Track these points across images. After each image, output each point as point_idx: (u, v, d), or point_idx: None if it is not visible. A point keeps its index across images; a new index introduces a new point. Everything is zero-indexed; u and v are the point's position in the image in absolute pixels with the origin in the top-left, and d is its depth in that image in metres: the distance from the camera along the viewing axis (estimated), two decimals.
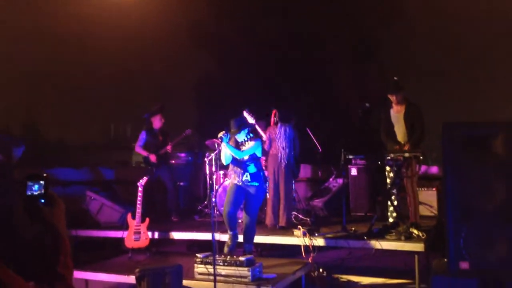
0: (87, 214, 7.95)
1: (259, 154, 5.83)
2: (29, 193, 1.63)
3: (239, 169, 5.79)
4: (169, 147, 8.01)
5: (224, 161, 5.87)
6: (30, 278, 1.43)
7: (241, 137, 5.76)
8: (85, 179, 10.70)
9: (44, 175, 1.68)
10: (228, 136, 5.65)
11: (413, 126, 6.46)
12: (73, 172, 10.95)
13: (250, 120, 6.55)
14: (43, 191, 1.64)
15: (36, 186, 1.64)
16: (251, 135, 5.84)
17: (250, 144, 5.72)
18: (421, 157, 6.26)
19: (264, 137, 7.12)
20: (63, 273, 1.51)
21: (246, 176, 5.72)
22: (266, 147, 7.03)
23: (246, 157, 5.75)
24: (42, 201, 1.64)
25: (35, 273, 1.48)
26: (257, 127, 6.75)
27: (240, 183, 5.77)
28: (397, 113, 6.60)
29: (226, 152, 5.75)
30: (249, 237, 5.92)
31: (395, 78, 6.63)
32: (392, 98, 6.59)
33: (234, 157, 5.80)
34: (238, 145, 5.81)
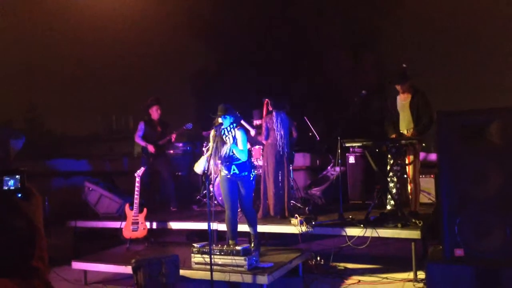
0: (86, 205, 7.99)
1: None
2: (6, 188, 1.65)
3: (226, 162, 5.70)
4: (174, 135, 8.05)
5: (198, 169, 5.75)
6: (5, 271, 1.43)
7: (226, 122, 5.71)
8: (86, 170, 10.76)
9: (22, 169, 1.69)
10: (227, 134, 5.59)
11: (419, 114, 6.30)
12: (74, 163, 11.01)
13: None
14: (19, 186, 1.66)
15: (11, 181, 1.65)
16: (235, 125, 5.79)
17: (239, 137, 5.66)
18: (423, 144, 6.18)
19: (253, 132, 7.09)
20: (38, 266, 1.52)
21: (234, 169, 5.68)
22: (263, 137, 7.00)
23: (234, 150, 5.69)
24: (19, 195, 1.65)
25: (10, 266, 1.49)
26: (242, 122, 6.66)
27: (230, 176, 5.74)
28: (403, 101, 6.46)
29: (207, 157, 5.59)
30: (252, 221, 5.93)
31: (404, 65, 6.39)
32: (398, 87, 6.46)
33: (213, 158, 5.67)
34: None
